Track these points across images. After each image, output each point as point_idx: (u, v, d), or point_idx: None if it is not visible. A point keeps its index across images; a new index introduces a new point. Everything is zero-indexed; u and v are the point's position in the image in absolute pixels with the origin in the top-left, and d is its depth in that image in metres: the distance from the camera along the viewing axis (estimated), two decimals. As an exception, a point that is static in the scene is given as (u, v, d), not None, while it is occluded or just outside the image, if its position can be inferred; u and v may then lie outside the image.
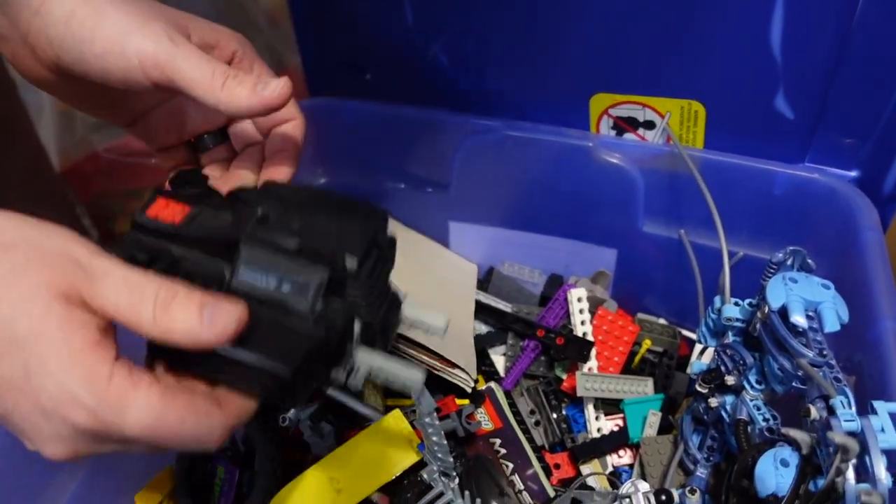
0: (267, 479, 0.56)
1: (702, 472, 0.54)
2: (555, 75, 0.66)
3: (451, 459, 0.43)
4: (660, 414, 0.62)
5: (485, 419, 0.60)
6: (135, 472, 0.59)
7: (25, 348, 0.28)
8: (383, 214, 0.38)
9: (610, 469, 0.61)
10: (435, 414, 0.40)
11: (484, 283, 0.76)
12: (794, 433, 0.32)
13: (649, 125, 0.66)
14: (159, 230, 0.36)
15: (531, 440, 0.61)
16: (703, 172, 0.59)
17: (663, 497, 0.45)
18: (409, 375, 0.35)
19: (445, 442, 0.42)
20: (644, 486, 0.46)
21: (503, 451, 0.58)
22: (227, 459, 0.62)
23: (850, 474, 0.34)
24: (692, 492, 0.50)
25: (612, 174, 0.65)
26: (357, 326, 0.35)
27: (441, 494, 0.41)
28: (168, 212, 0.37)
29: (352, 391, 0.59)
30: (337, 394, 0.59)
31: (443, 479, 0.41)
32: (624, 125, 0.67)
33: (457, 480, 0.46)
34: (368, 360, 0.36)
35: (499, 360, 0.67)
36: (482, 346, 0.67)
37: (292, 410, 0.58)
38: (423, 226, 0.77)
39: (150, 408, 0.29)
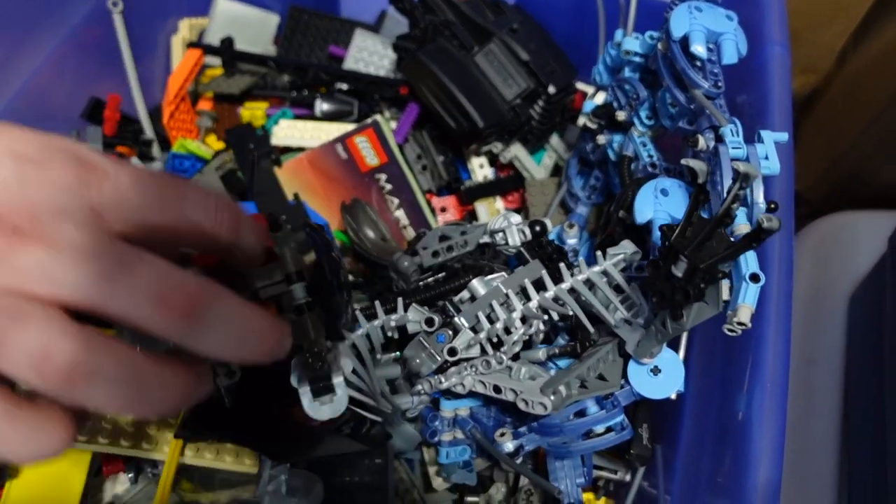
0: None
1: (582, 209, 0.55)
2: None
3: None
4: (555, 155, 0.62)
5: (370, 154, 0.57)
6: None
7: None
8: (574, 81, 0.59)
9: (502, 213, 0.61)
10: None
11: (375, 27, 0.71)
12: (692, 162, 0.32)
13: None
14: None
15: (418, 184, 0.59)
16: None
17: (537, 228, 0.45)
18: None
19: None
20: (516, 219, 0.45)
21: (389, 186, 0.57)
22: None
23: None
24: (570, 226, 0.51)
25: None
26: None
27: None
28: None
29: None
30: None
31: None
32: None
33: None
34: None
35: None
36: (373, 94, 0.63)
37: None
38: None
39: None
